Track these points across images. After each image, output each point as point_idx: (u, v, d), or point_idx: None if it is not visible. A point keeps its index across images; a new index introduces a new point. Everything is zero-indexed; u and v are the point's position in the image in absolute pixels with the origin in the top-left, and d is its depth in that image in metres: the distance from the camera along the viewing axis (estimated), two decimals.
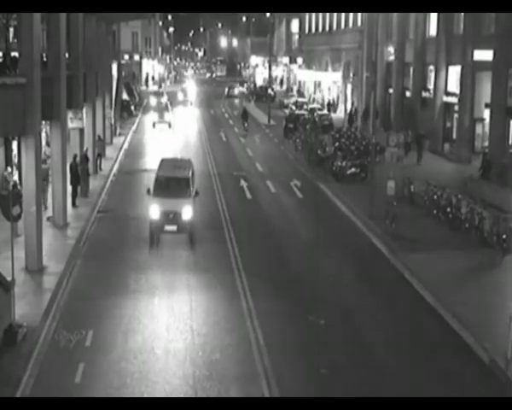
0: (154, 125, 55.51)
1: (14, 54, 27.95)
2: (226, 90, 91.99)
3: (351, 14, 62.72)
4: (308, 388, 15.24)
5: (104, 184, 34.31)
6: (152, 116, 57.27)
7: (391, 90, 52.36)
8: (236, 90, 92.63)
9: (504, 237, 23.78)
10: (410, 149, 40.45)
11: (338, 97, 68.02)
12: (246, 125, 55.70)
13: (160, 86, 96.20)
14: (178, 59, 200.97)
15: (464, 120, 39.94)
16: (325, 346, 17.37)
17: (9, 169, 26.73)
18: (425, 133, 43.03)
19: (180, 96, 78.02)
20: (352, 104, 61.66)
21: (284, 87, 75.94)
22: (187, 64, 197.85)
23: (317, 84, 75.65)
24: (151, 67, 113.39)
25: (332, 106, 65.69)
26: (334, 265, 23.49)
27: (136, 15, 62.71)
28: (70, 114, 30.16)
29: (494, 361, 16.29)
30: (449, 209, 27.24)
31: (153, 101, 68.68)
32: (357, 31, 59.73)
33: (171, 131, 54.17)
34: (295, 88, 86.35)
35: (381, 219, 26.93)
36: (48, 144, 31.30)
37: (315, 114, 55.12)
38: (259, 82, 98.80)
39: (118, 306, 19.48)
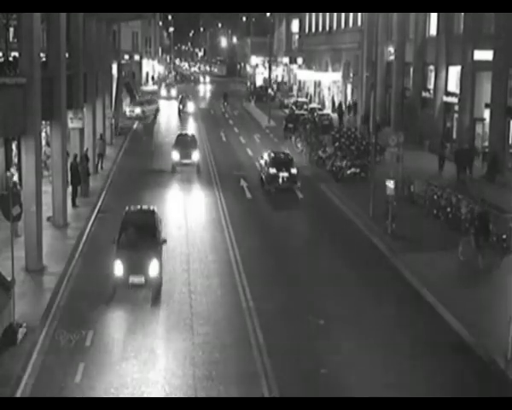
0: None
1: (14, 54, 27.97)
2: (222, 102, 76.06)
3: (351, 14, 62.67)
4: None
5: (104, 184, 34.31)
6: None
7: (391, 90, 52.32)
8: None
9: (504, 237, 23.79)
10: (444, 164, 36.70)
11: (332, 97, 67.89)
12: (225, 104, 72.23)
13: (159, 87, 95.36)
14: (178, 59, 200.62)
15: (464, 120, 39.90)
16: (324, 341, 17.43)
17: (11, 170, 26.76)
18: (466, 149, 36.63)
19: (175, 156, 37.80)
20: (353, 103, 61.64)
21: (280, 94, 75.22)
22: (199, 66, 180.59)
23: (317, 84, 75.64)
24: (151, 67, 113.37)
25: (340, 109, 59.22)
26: (334, 265, 23.48)
27: (136, 15, 62.62)
28: (70, 114, 30.17)
29: (494, 361, 16.30)
30: (449, 209, 27.25)
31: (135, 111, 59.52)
32: (357, 31, 59.70)
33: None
34: (295, 88, 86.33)
35: (381, 218, 26.94)
36: (48, 144, 31.29)
37: (315, 114, 55.13)
38: (259, 82, 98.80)
39: (118, 306, 19.48)
